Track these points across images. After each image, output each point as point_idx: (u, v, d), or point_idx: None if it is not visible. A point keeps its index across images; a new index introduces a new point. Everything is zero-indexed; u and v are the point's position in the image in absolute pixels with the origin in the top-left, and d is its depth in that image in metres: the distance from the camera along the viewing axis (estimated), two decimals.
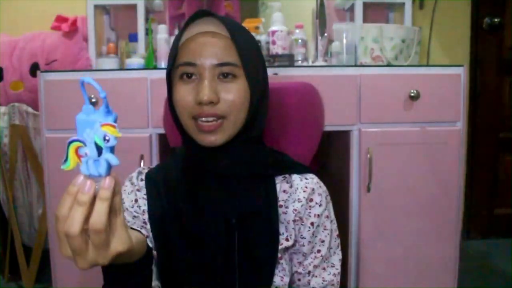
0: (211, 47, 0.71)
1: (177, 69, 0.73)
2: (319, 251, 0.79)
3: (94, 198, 0.44)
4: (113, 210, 0.46)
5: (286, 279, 0.77)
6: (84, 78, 0.45)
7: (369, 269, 1.41)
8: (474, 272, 1.85)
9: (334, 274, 0.81)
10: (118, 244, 0.46)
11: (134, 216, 0.78)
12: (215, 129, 0.71)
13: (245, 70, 0.72)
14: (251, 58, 0.74)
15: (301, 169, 0.81)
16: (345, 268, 1.41)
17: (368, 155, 1.36)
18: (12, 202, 1.68)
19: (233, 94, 0.71)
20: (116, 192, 0.45)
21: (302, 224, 0.77)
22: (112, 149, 0.43)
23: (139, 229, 0.70)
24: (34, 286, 1.69)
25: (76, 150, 0.44)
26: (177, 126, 0.77)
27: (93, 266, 0.46)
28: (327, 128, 1.17)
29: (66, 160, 0.44)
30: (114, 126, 0.43)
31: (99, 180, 0.44)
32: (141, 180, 0.80)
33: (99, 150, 0.43)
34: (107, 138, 0.42)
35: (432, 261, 1.41)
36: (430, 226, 1.41)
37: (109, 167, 0.44)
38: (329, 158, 1.57)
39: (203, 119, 0.70)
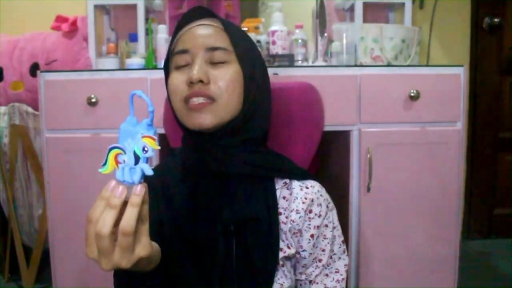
0: (203, 35, 0.71)
1: (172, 60, 0.73)
2: (320, 260, 0.78)
3: (124, 204, 0.47)
4: (140, 217, 0.49)
5: (286, 285, 0.76)
6: (136, 91, 0.49)
7: (369, 269, 1.41)
8: (474, 272, 1.85)
9: (338, 281, 0.79)
10: (141, 250, 0.50)
11: None
12: (204, 107, 0.68)
13: (237, 55, 0.71)
14: (244, 46, 0.74)
15: (303, 175, 0.79)
16: None
17: (368, 155, 1.36)
18: (12, 202, 1.68)
19: (224, 77, 0.70)
20: (145, 200, 0.49)
21: (301, 236, 0.76)
22: (147, 160, 0.47)
23: None
24: (34, 286, 1.69)
25: (115, 157, 0.47)
26: (175, 118, 0.75)
27: (115, 268, 0.50)
28: (327, 128, 1.17)
29: (104, 164, 0.47)
30: (154, 139, 0.47)
31: (130, 187, 0.47)
32: (158, 148, 0.77)
33: (137, 159, 0.46)
34: (146, 149, 0.46)
35: (432, 261, 1.41)
36: (430, 226, 1.41)
37: (142, 176, 0.47)
38: (329, 158, 1.57)
39: (194, 99, 0.69)
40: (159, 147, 0.48)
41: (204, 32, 0.72)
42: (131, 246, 0.49)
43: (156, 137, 0.47)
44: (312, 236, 0.76)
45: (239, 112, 0.72)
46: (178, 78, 0.71)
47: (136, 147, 0.46)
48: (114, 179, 0.48)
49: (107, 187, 0.48)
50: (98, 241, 0.48)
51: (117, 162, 0.47)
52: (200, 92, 0.68)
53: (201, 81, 0.68)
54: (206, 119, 0.69)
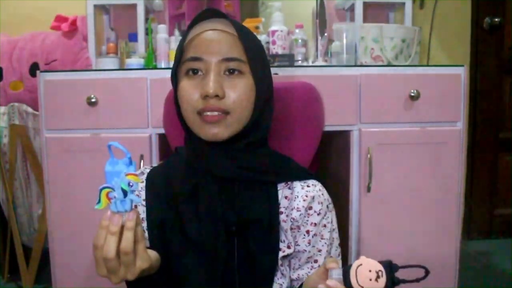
0: (217, 43, 0.71)
1: (183, 65, 0.73)
2: (316, 261, 0.77)
3: (121, 228, 0.56)
4: (137, 238, 0.57)
5: (285, 285, 0.76)
6: (112, 143, 0.57)
7: None
8: (474, 272, 1.85)
9: None
10: (141, 263, 0.58)
11: None
12: (218, 120, 0.70)
13: (251, 67, 0.72)
14: (257, 56, 0.74)
15: (304, 176, 0.79)
16: None
17: (368, 155, 1.36)
18: (12, 202, 1.68)
19: (239, 90, 0.71)
20: (137, 223, 0.57)
21: (298, 232, 0.76)
22: (133, 191, 0.56)
23: None
24: (33, 286, 1.68)
25: (107, 194, 0.56)
26: (182, 123, 0.77)
27: (123, 281, 0.59)
28: (327, 128, 1.17)
29: (98, 202, 0.56)
30: (136, 175, 0.56)
31: (123, 214, 0.56)
32: (142, 181, 0.79)
33: (124, 192, 0.55)
34: (131, 184, 0.55)
35: (432, 261, 1.41)
36: (430, 226, 1.40)
37: (132, 204, 0.57)
38: (329, 158, 1.57)
39: (208, 112, 0.70)
40: (141, 181, 0.58)
41: (218, 38, 0.72)
42: (133, 262, 0.56)
43: (137, 172, 0.56)
44: (307, 232, 0.76)
45: (248, 122, 0.74)
46: (190, 88, 0.72)
47: (122, 184, 0.55)
48: (109, 210, 0.56)
49: (104, 217, 0.56)
50: (106, 263, 0.55)
51: (109, 199, 0.55)
52: (215, 107, 0.70)
53: (216, 95, 0.69)
54: (220, 132, 0.71)
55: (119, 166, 0.56)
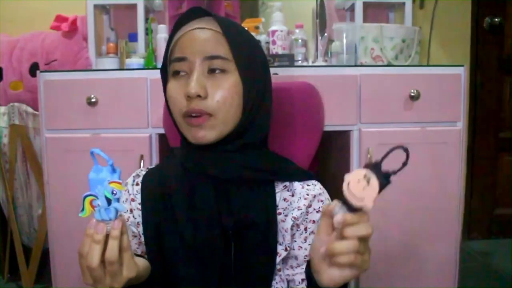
0: (201, 41, 0.70)
1: (170, 66, 0.72)
2: None
3: (107, 237, 0.55)
4: (122, 247, 0.56)
5: None
6: (94, 150, 0.58)
7: (369, 269, 1.41)
8: (474, 272, 1.85)
9: None
10: (127, 272, 0.57)
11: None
12: (203, 122, 0.69)
13: (237, 64, 0.70)
14: (245, 53, 0.71)
15: (303, 176, 0.78)
16: None
17: (368, 155, 1.36)
18: (12, 202, 1.68)
19: (222, 90, 0.69)
20: (123, 232, 0.56)
21: (297, 230, 0.75)
22: (118, 199, 0.55)
23: (136, 243, 0.74)
24: (33, 286, 1.68)
25: (90, 202, 0.55)
26: (174, 124, 0.76)
27: None
28: (327, 128, 1.17)
29: (82, 209, 0.55)
30: (119, 183, 0.55)
31: (109, 222, 0.55)
32: (137, 184, 0.78)
33: (108, 200, 0.54)
34: (114, 192, 0.54)
35: (432, 261, 1.41)
36: (430, 226, 1.40)
37: (117, 212, 0.56)
38: (329, 158, 1.57)
39: (193, 114, 0.69)
40: (125, 189, 0.56)
41: (202, 37, 0.70)
42: (119, 271, 0.56)
43: (121, 180, 0.56)
44: (305, 229, 0.75)
45: (238, 123, 0.72)
46: (176, 89, 0.71)
47: (106, 192, 0.54)
48: (94, 219, 0.55)
49: (89, 225, 0.55)
50: (90, 272, 0.55)
51: (92, 206, 0.55)
52: (198, 109, 0.68)
53: (199, 95, 0.68)
54: (206, 135, 0.70)
55: (103, 173, 0.55)
